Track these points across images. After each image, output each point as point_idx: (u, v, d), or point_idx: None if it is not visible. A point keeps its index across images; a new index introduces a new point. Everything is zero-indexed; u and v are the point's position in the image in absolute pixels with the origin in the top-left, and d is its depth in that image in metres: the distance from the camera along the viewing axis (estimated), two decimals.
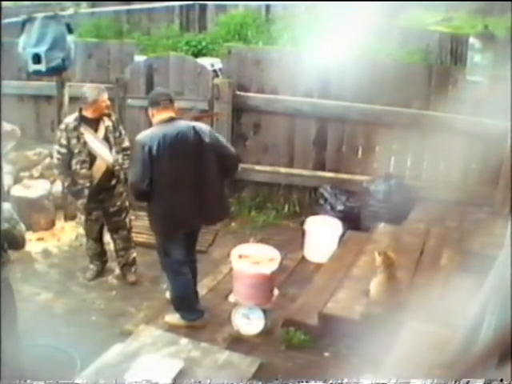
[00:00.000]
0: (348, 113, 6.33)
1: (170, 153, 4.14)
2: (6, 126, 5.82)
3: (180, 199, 4.24)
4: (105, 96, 5.03)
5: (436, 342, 3.38)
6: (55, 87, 6.21)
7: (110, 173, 5.13)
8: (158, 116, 4.28)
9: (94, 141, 5.04)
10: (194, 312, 4.52)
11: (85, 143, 5.02)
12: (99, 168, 5.10)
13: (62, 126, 5.12)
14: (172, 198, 4.22)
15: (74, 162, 5.06)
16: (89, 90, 5.04)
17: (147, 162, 4.09)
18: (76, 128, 5.01)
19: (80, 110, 5.05)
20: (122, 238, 5.37)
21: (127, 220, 5.38)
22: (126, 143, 5.20)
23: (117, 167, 5.12)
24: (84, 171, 5.07)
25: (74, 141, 5.02)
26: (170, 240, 4.38)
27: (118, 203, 5.25)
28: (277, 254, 4.50)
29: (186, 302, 4.51)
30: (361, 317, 4.18)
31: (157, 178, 4.15)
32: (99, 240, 5.45)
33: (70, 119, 5.12)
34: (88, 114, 5.02)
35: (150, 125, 4.46)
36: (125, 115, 6.43)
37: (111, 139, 5.10)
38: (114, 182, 5.18)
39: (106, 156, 5.08)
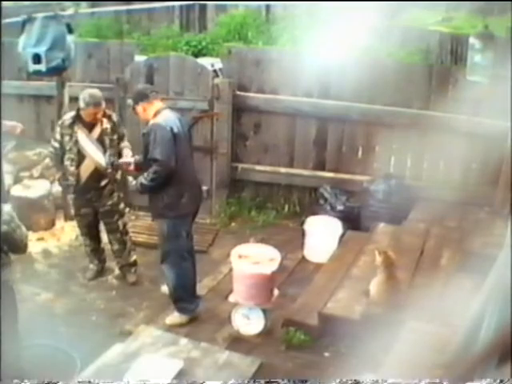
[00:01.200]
0: (348, 113, 6.33)
1: (183, 134, 4.49)
2: (8, 123, 5.82)
3: (192, 178, 4.63)
4: (97, 108, 4.99)
5: (436, 342, 3.37)
6: (55, 87, 6.21)
7: (98, 174, 5.14)
8: (153, 107, 4.49)
9: (86, 141, 5.07)
10: (193, 301, 4.65)
11: (76, 141, 5.06)
12: (87, 167, 5.12)
13: (59, 122, 5.23)
14: (187, 176, 4.53)
15: (65, 157, 5.12)
16: (83, 95, 5.04)
17: (172, 141, 4.34)
18: (71, 126, 5.07)
19: (78, 109, 5.07)
20: (116, 240, 5.37)
21: (120, 223, 5.34)
22: (126, 142, 5.23)
23: (109, 170, 5.11)
24: (72, 169, 5.11)
25: (66, 138, 5.08)
26: (182, 220, 4.55)
27: (109, 204, 5.24)
28: (277, 254, 4.50)
29: (189, 289, 4.64)
30: (361, 317, 4.18)
31: (176, 157, 4.38)
32: (92, 237, 5.44)
33: (67, 116, 5.20)
34: (83, 115, 5.06)
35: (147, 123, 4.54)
36: (125, 115, 6.42)
37: (106, 142, 5.11)
38: (103, 183, 5.17)
39: (96, 157, 5.09)
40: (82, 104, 5.00)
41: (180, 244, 4.55)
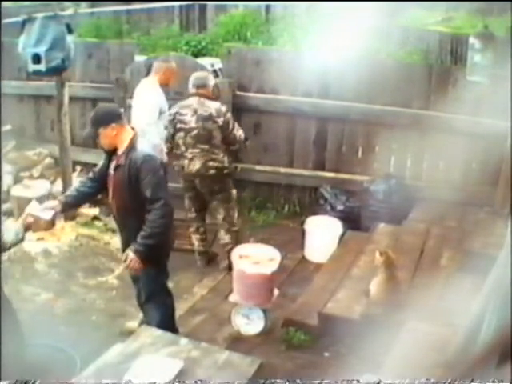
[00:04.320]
0: (348, 113, 6.33)
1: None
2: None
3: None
4: (199, 89, 5.38)
5: (436, 342, 3.37)
6: (55, 87, 6.22)
7: None
8: (126, 132, 3.91)
9: None
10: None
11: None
12: None
13: (169, 116, 5.46)
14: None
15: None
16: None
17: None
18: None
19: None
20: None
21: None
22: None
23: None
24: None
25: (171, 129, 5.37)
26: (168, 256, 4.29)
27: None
28: (277, 254, 4.50)
29: (172, 326, 4.26)
30: (361, 317, 4.18)
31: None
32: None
33: (172, 110, 5.46)
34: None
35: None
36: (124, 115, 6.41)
37: None
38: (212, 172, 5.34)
39: None
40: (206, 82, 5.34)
41: (165, 279, 4.26)
